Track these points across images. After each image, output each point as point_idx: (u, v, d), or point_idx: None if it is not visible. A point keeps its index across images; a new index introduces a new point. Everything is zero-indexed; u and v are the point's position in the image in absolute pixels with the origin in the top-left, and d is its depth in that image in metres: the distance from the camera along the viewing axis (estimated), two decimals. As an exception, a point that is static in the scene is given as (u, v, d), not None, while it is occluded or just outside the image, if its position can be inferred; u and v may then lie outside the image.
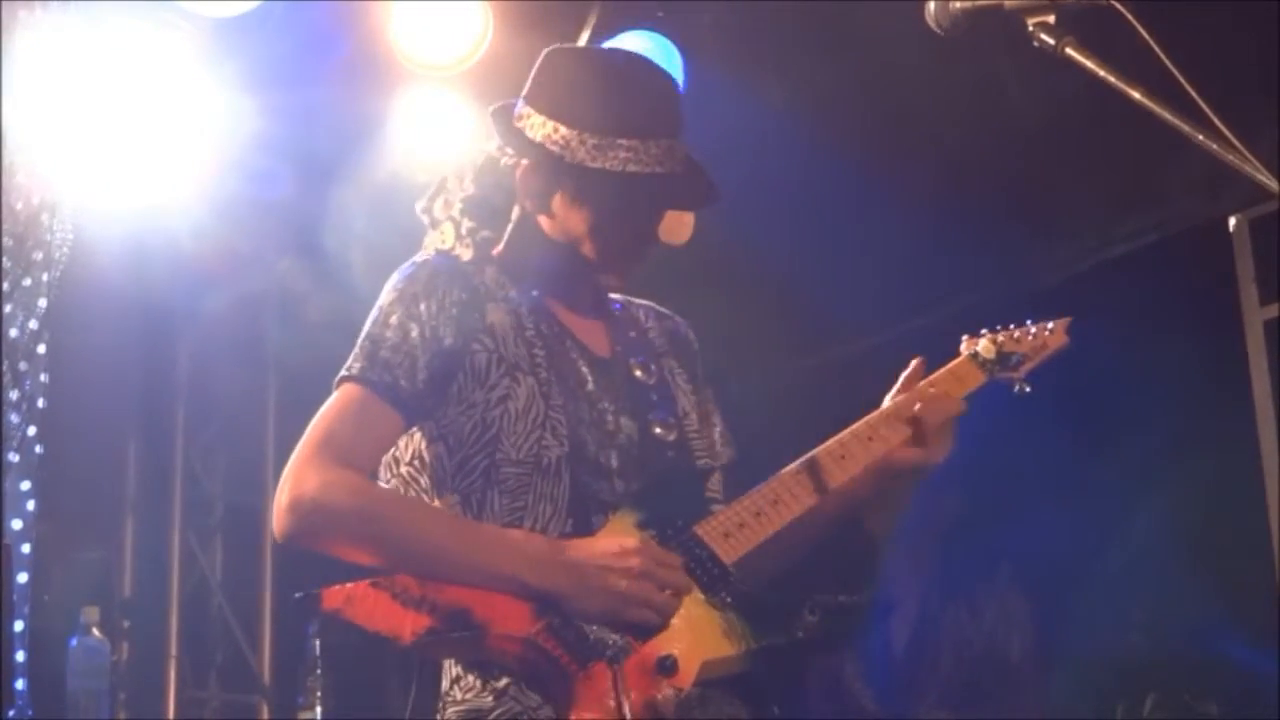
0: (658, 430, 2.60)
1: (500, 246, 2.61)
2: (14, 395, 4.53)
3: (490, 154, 2.66)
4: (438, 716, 2.44)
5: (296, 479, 2.40)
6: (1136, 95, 2.02)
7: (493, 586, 2.34)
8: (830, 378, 5.74)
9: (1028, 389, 2.87)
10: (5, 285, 4.51)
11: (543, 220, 2.61)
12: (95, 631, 4.83)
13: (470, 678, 2.41)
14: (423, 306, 2.50)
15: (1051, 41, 2.12)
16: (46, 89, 4.53)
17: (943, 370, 2.83)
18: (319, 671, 5.20)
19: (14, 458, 4.57)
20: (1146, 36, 2.05)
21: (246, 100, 4.68)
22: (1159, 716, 4.77)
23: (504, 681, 2.38)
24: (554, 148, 2.55)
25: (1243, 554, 4.79)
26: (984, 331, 2.92)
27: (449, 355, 2.49)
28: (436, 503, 2.51)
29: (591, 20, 4.95)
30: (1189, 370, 4.75)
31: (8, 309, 4.53)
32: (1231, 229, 4.94)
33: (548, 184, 2.58)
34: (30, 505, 4.66)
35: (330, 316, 5.30)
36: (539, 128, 2.58)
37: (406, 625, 2.29)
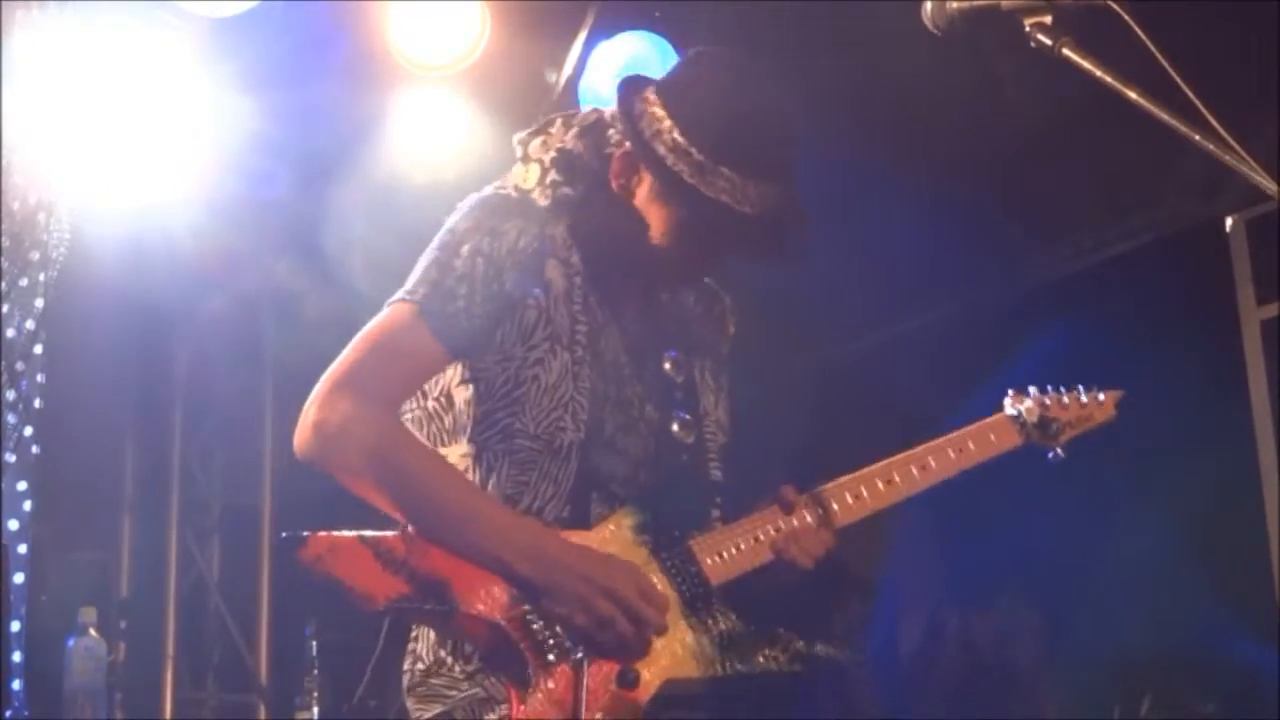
0: (676, 428, 2.60)
1: (581, 201, 2.59)
2: (11, 396, 4.52)
3: (602, 116, 2.64)
4: (406, 678, 2.44)
5: (327, 400, 2.40)
6: (1134, 96, 2.02)
7: (479, 561, 2.34)
8: (828, 377, 5.75)
9: (1062, 455, 2.84)
10: (2, 285, 4.51)
11: (629, 199, 2.60)
12: (92, 632, 4.82)
13: (444, 653, 2.41)
14: (495, 244, 2.48)
15: (1049, 42, 2.12)
16: (44, 89, 4.52)
17: (979, 424, 2.79)
18: (316, 671, 5.20)
19: (11, 458, 4.57)
20: (1143, 37, 2.05)
21: (244, 100, 4.68)
22: (1156, 716, 4.77)
23: (475, 665, 2.38)
24: (661, 147, 2.52)
25: (1241, 553, 4.80)
26: (1032, 390, 2.87)
27: (503, 300, 2.48)
28: (453, 447, 2.51)
29: (589, 20, 4.95)
30: (1186, 370, 4.75)
31: (4, 309, 4.53)
32: (1228, 229, 4.95)
33: (640, 173, 2.58)
34: (27, 505, 4.66)
35: (328, 316, 5.30)
36: (658, 120, 2.54)
37: (382, 588, 2.29)
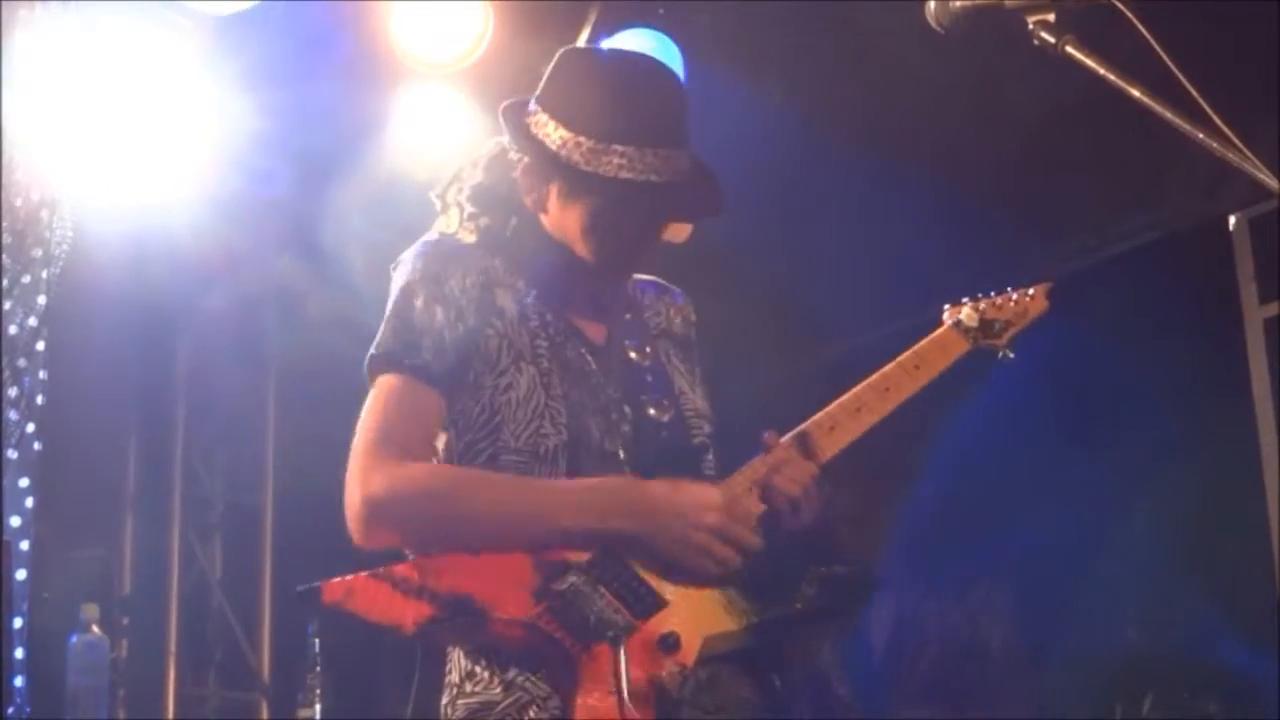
0: (651, 411, 2.64)
1: (506, 235, 2.64)
2: (13, 392, 4.53)
3: (502, 144, 2.70)
4: (447, 710, 2.46)
5: (363, 482, 2.44)
6: (1136, 94, 2.02)
7: (581, 541, 2.40)
8: (827, 376, 5.74)
9: (1011, 355, 2.91)
10: (5, 282, 4.51)
11: (542, 217, 2.65)
12: (95, 629, 4.82)
13: (479, 670, 2.43)
14: (446, 287, 2.54)
15: (1051, 40, 2.12)
16: (46, 87, 4.53)
17: (926, 340, 2.85)
18: (318, 669, 5.20)
19: (13, 455, 4.57)
20: (1147, 35, 2.05)
21: (246, 98, 4.68)
22: (1157, 716, 4.77)
23: (512, 673, 2.40)
24: (551, 147, 2.57)
25: (1242, 553, 4.79)
26: (965, 300, 2.95)
27: (469, 336, 2.53)
28: None
29: (592, 19, 4.95)
30: (1188, 368, 4.75)
31: (7, 306, 4.53)
32: (1231, 228, 4.95)
33: (544, 182, 2.62)
34: (29, 502, 4.66)
35: (330, 314, 5.31)
36: (542, 126, 2.61)
37: (409, 614, 2.32)
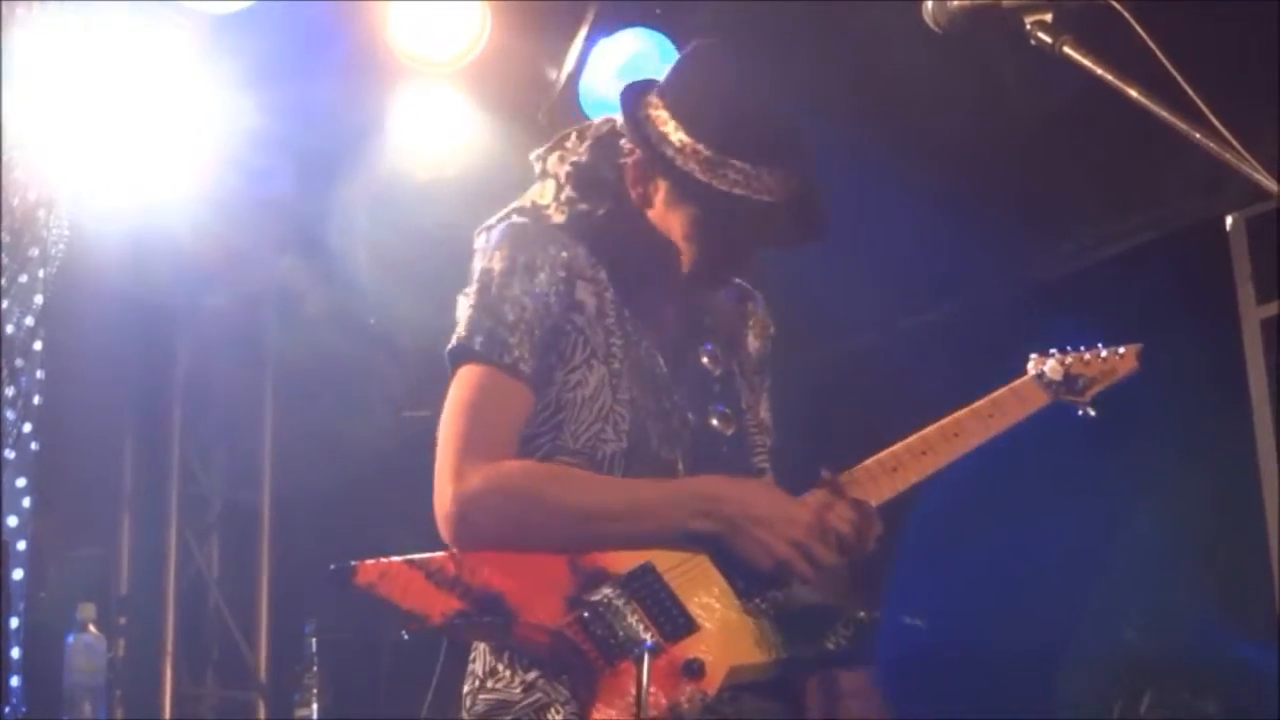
0: (715, 422, 2.60)
1: (600, 219, 2.59)
2: (10, 392, 4.52)
3: (614, 126, 2.63)
4: (467, 700, 2.45)
5: (457, 483, 2.41)
6: (1134, 94, 2.02)
7: (666, 541, 2.40)
8: (829, 375, 5.74)
9: (1092, 413, 2.88)
10: (2, 281, 4.51)
11: (647, 211, 2.60)
12: (92, 628, 4.82)
13: (501, 668, 2.41)
14: (539, 278, 2.49)
15: (1049, 40, 2.12)
16: (44, 85, 4.52)
17: (1005, 389, 2.81)
18: (315, 668, 5.20)
19: (10, 454, 4.57)
20: (1144, 35, 2.05)
21: (244, 97, 4.67)
22: (1157, 714, 4.77)
23: (533, 674, 2.38)
24: (669, 149, 2.52)
25: (1241, 552, 4.79)
26: (1053, 351, 2.91)
27: (552, 332, 2.50)
28: None
29: (589, 18, 4.95)
30: (1186, 369, 4.75)
31: (4, 305, 4.53)
32: (1229, 228, 4.94)
33: (653, 179, 2.57)
34: (26, 502, 4.66)
35: (328, 313, 5.31)
36: (663, 122, 2.54)
37: (437, 605, 2.30)
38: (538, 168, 2.64)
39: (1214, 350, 4.88)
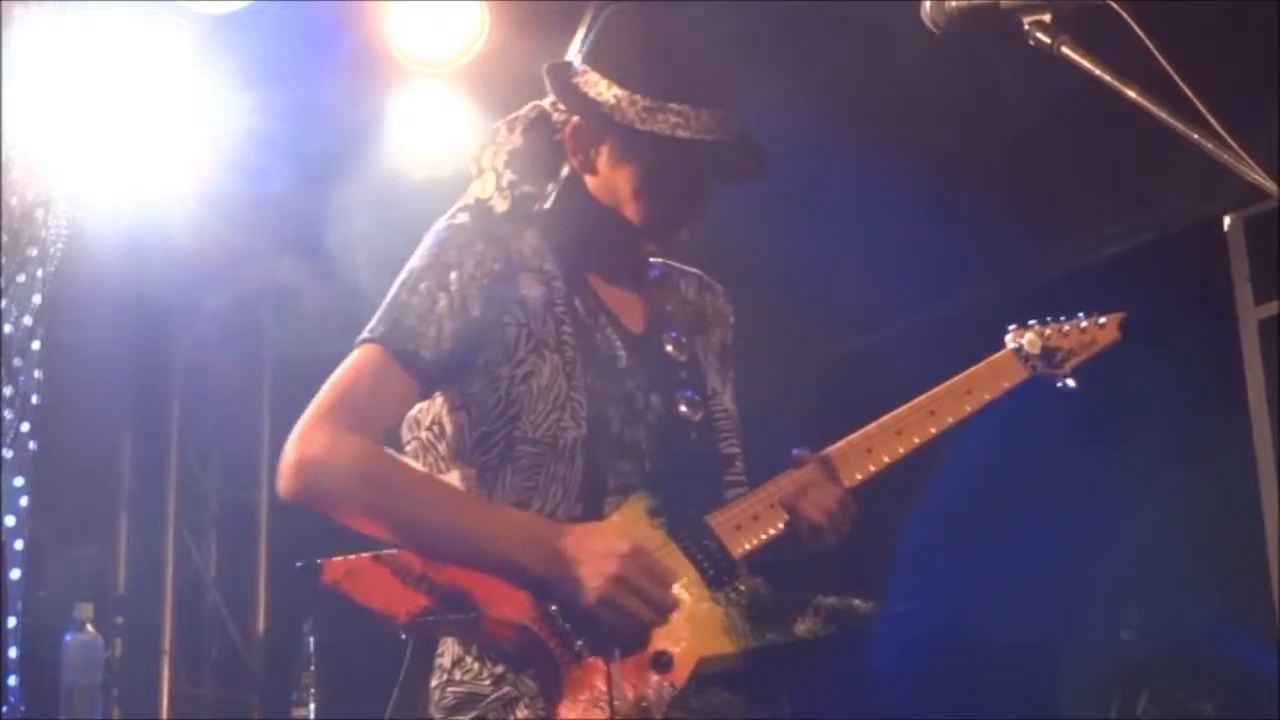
0: (683, 409, 2.57)
1: (545, 204, 2.58)
2: (8, 391, 4.53)
3: (542, 108, 2.62)
4: (436, 694, 2.44)
5: (305, 439, 2.39)
6: (1132, 94, 2.02)
7: (485, 566, 2.33)
8: (828, 374, 5.75)
9: (1071, 384, 2.81)
10: (0, 281, 4.51)
11: (588, 180, 2.57)
12: (89, 628, 4.82)
13: (469, 660, 2.40)
14: (453, 275, 2.47)
15: (1047, 40, 2.12)
16: (43, 85, 4.52)
17: (981, 364, 2.75)
18: (312, 668, 5.20)
19: (8, 454, 4.57)
20: (1142, 35, 2.05)
21: (242, 97, 4.67)
22: (1154, 714, 4.77)
23: (501, 667, 2.37)
24: (604, 106, 2.51)
25: (1238, 552, 4.80)
26: (1032, 323, 2.85)
27: (476, 327, 2.46)
28: (453, 472, 2.49)
29: (588, 18, 4.94)
30: (1184, 369, 4.75)
31: (2, 304, 4.53)
32: (1227, 228, 4.95)
33: (595, 143, 2.55)
34: (24, 501, 4.66)
35: (327, 313, 5.30)
36: (593, 85, 2.53)
37: (403, 603, 2.29)
38: (474, 169, 2.64)
39: (1212, 350, 4.89)
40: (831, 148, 4.96)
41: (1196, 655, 4.75)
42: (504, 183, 2.58)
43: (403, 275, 2.51)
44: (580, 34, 2.61)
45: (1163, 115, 1.99)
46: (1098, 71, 2.06)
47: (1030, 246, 5.46)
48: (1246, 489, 4.80)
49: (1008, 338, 2.83)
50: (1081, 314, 2.89)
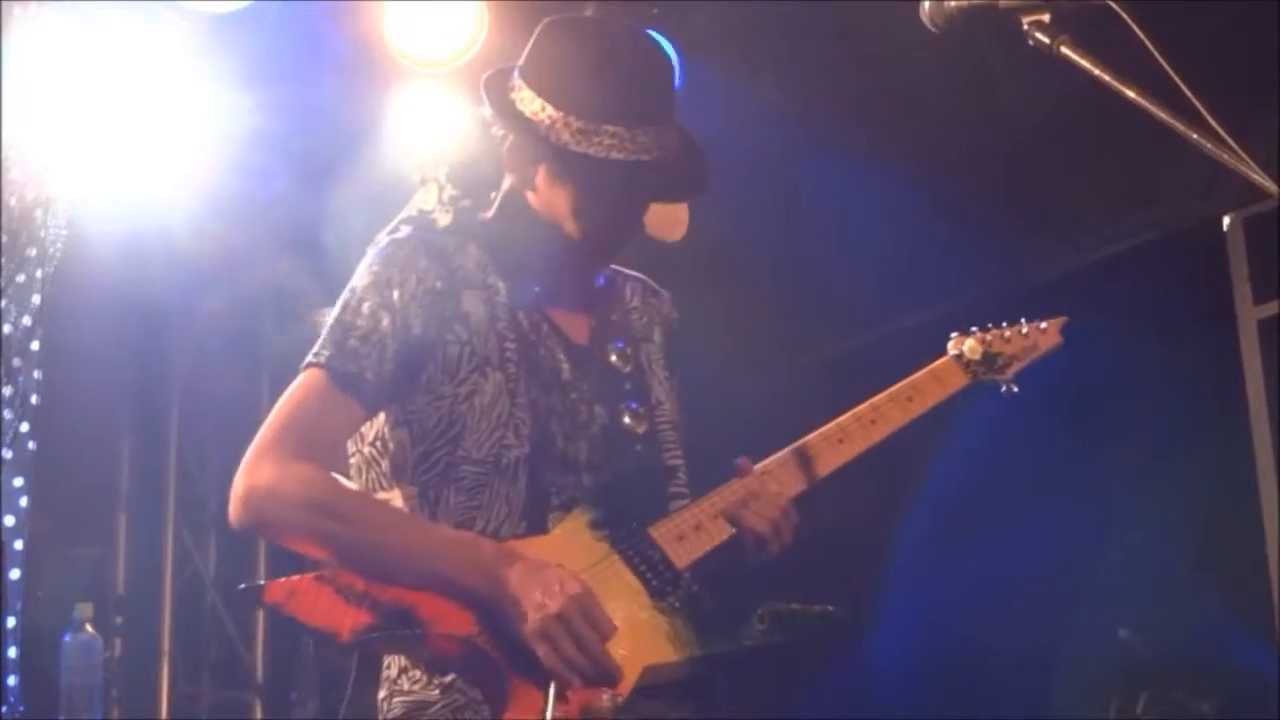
0: (627, 420, 2.56)
1: (488, 214, 2.57)
2: (7, 391, 4.52)
3: (485, 119, 2.60)
4: (383, 705, 2.44)
5: (252, 469, 2.40)
6: (1131, 94, 2.02)
7: (432, 588, 2.32)
8: (825, 375, 5.75)
9: (1015, 389, 2.82)
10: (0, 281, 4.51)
11: (529, 195, 2.56)
12: (89, 628, 4.82)
13: (417, 672, 2.40)
14: (395, 294, 2.46)
15: (1046, 40, 2.12)
16: (42, 85, 4.52)
17: (923, 371, 2.77)
18: (312, 669, 5.20)
19: (7, 454, 4.57)
20: (1142, 36, 2.05)
21: (242, 97, 4.67)
22: (1153, 715, 4.77)
23: (450, 676, 2.37)
24: (540, 127, 2.49)
25: (1237, 552, 4.80)
26: (974, 329, 2.87)
27: (418, 345, 2.45)
28: (394, 490, 2.49)
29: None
30: (1183, 369, 4.76)
31: (1, 304, 4.53)
32: (1226, 228, 4.95)
33: (531, 160, 2.53)
34: (23, 501, 4.66)
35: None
36: (528, 103, 2.51)
37: (347, 621, 2.29)
38: (418, 176, 2.64)
39: (1211, 350, 4.89)
40: (831, 148, 4.96)
41: (1196, 655, 4.75)
42: (446, 195, 2.58)
43: (345, 295, 2.50)
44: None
45: (1162, 115, 1.99)
46: (1097, 71, 2.06)
47: (1029, 246, 5.46)
48: (1245, 488, 4.80)
49: (949, 344, 2.85)
50: (1023, 319, 2.89)
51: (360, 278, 2.51)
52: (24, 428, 4.59)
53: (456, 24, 4.90)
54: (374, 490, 2.50)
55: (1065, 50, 2.10)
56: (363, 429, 2.52)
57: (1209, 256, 4.95)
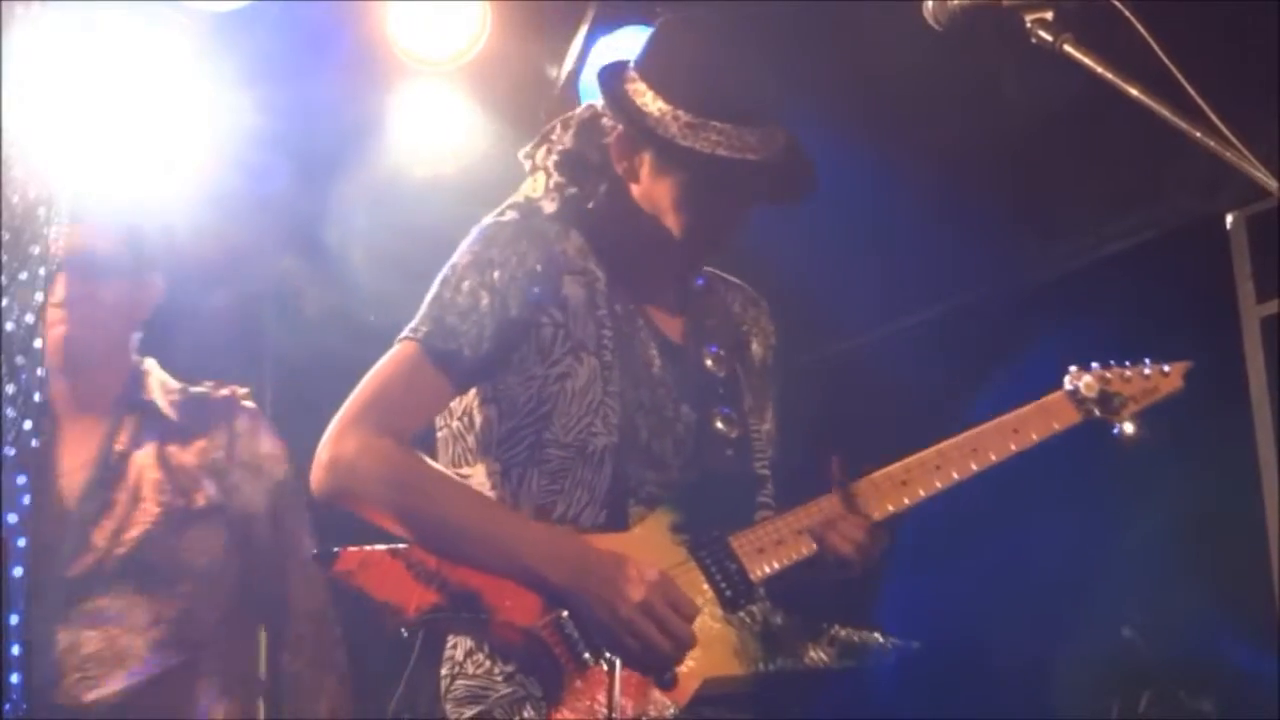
0: (719, 425, 2.58)
1: (591, 205, 2.59)
2: (10, 389, 4.52)
3: (596, 110, 2.63)
4: (445, 682, 2.44)
5: (338, 439, 2.42)
6: (1134, 92, 2.03)
7: (509, 574, 2.34)
8: (827, 375, 5.74)
9: (1130, 430, 2.79)
10: (2, 279, 4.51)
11: (633, 187, 2.58)
12: (91, 627, 4.81)
13: (481, 655, 2.41)
14: (495, 274, 2.48)
15: (1049, 39, 2.12)
16: (43, 84, 4.52)
17: (1034, 404, 2.73)
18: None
19: (10, 451, 4.56)
20: (1144, 33, 2.05)
21: (243, 95, 4.67)
22: (1155, 714, 4.77)
23: (513, 665, 2.38)
24: (648, 118, 2.51)
25: (1239, 552, 4.79)
26: (1094, 365, 2.81)
27: (514, 326, 2.48)
28: (480, 465, 2.50)
29: (589, 17, 4.95)
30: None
31: (4, 302, 4.52)
32: (1229, 226, 4.94)
33: (637, 152, 2.56)
34: (27, 500, 4.65)
35: (328, 312, 5.30)
36: (640, 95, 2.54)
37: (414, 599, 2.31)
38: (528, 165, 2.65)
39: (1214, 349, 4.88)
40: (829, 147, 4.96)
41: (1198, 655, 4.74)
42: (552, 183, 2.58)
43: (445, 272, 2.53)
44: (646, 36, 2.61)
45: (1165, 113, 1.99)
46: (1099, 69, 2.06)
47: (1032, 245, 5.45)
48: (1247, 488, 4.79)
49: (1066, 379, 2.79)
50: (1147, 360, 2.85)
51: (461, 256, 2.53)
52: (27, 425, 4.59)
53: (459, 23, 4.91)
54: (459, 465, 2.53)
55: (1068, 48, 2.10)
56: (451, 404, 2.52)
57: (1212, 255, 4.94)
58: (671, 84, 2.51)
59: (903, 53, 4.38)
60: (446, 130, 5.05)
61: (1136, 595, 4.97)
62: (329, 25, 4.78)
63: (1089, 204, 5.25)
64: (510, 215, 2.57)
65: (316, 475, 2.43)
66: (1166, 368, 2.91)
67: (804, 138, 2.53)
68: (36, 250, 4.56)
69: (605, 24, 4.95)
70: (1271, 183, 1.93)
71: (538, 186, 2.60)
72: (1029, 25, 2.13)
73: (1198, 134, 1.96)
